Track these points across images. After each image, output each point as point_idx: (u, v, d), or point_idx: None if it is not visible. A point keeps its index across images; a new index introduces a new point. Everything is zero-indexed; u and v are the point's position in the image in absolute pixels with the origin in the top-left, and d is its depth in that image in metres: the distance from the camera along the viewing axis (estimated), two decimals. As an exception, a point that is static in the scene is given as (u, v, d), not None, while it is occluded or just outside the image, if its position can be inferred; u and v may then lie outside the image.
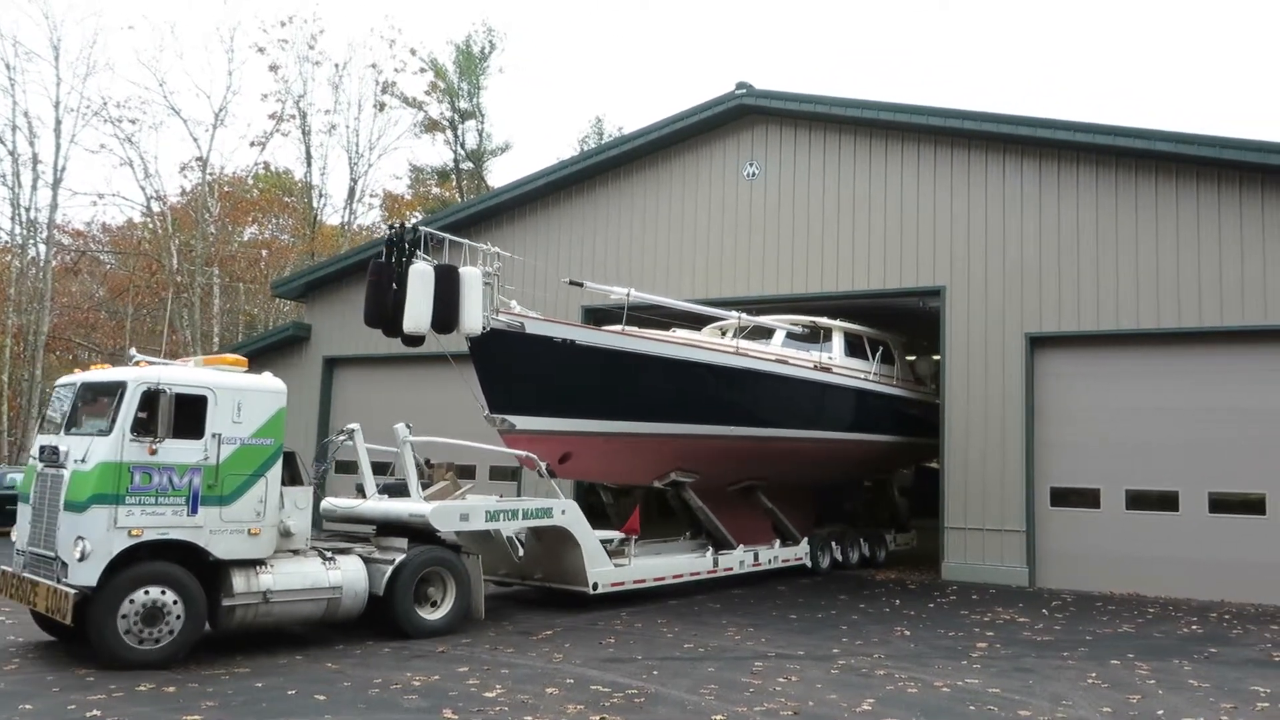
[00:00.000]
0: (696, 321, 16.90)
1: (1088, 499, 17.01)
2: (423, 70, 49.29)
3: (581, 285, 15.01)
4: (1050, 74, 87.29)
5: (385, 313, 12.38)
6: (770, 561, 17.14)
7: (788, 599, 15.22)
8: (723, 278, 20.30)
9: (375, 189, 58.15)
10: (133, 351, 11.47)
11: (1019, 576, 17.03)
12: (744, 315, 16.97)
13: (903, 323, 21.05)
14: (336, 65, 60.96)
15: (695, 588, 15.63)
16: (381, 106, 47.68)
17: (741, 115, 20.52)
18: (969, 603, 15.08)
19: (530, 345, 13.14)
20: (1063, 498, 17.21)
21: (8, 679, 9.04)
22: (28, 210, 38.07)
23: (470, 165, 51.61)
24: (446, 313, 12.13)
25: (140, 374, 9.94)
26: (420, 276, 12.08)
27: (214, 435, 10.08)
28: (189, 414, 9.93)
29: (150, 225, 44.50)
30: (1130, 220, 16.95)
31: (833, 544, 19.06)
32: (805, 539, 18.19)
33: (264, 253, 47.43)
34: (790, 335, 17.74)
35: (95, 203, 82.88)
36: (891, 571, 19.14)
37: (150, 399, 9.74)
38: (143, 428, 9.67)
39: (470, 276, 12.30)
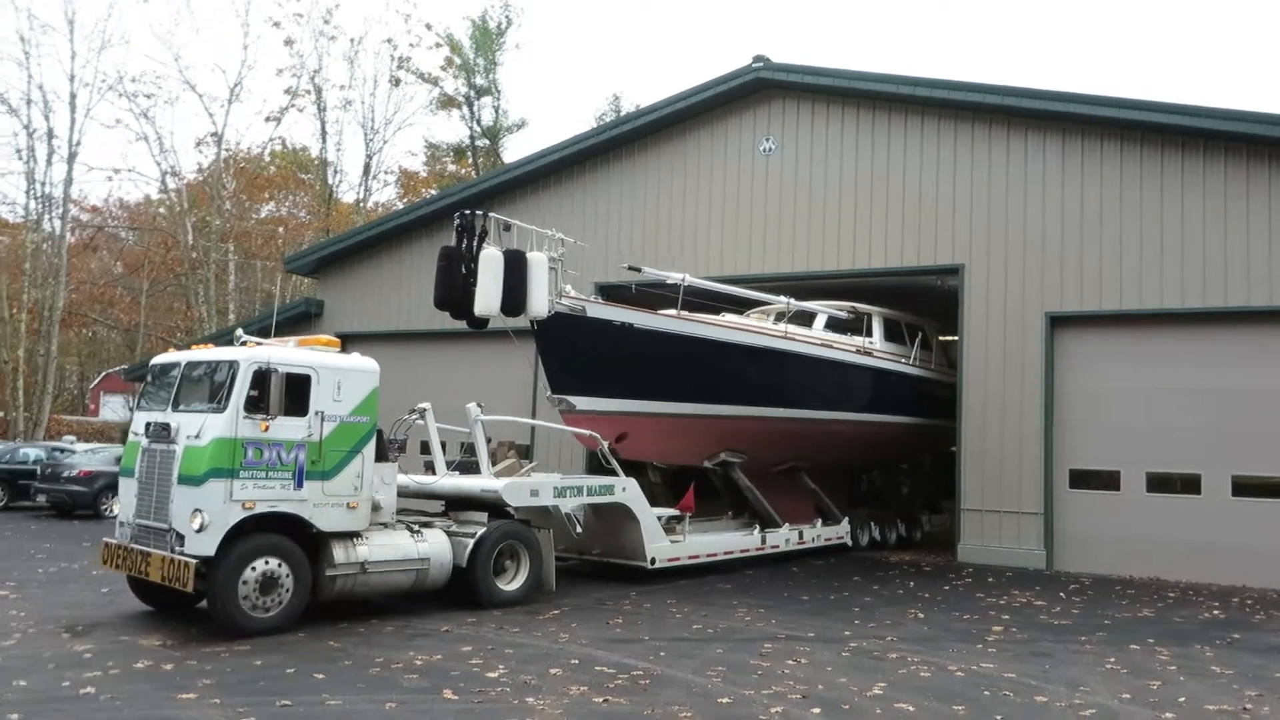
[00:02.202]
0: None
1: (1107, 481, 16.69)
2: (438, 46, 49.04)
3: (639, 271, 15.07)
4: (1048, 75, 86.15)
5: (455, 296, 12.76)
6: (814, 540, 17.52)
7: (800, 580, 15.01)
8: (737, 254, 20.00)
9: (390, 166, 58.08)
10: (240, 332, 12.05)
11: (1036, 559, 16.76)
12: (792, 300, 17.04)
13: (921, 302, 20.72)
14: (352, 40, 61.02)
15: (707, 569, 15.46)
16: (397, 82, 47.45)
17: (758, 89, 20.12)
18: (985, 585, 14.82)
19: (591, 328, 13.39)
20: (1082, 480, 16.89)
21: (6, 654, 8.93)
22: (43, 185, 38.05)
23: (486, 142, 51.36)
24: (514, 296, 12.47)
25: (251, 354, 10.30)
26: (490, 261, 12.41)
27: (317, 413, 10.49)
28: (295, 393, 10.37)
29: (166, 201, 44.49)
30: (1154, 197, 16.52)
31: (871, 524, 19.47)
32: (846, 518, 18.48)
33: (280, 229, 47.40)
34: (831, 320, 17.79)
35: (111, 178, 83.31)
36: (906, 553, 18.94)
37: (261, 378, 10.09)
38: (254, 405, 10.02)
39: (537, 262, 12.64)
